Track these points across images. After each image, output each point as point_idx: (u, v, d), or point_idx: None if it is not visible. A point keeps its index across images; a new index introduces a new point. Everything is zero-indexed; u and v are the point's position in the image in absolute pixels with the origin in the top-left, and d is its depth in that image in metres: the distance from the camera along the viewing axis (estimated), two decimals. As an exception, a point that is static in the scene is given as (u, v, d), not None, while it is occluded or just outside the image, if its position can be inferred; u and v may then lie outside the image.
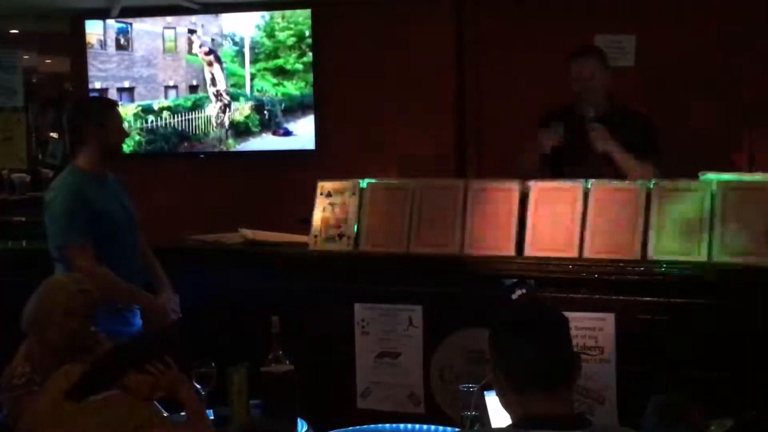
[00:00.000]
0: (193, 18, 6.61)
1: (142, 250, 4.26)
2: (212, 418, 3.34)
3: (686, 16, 5.75)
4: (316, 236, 4.04)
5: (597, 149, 4.43)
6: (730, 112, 5.73)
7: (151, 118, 6.71)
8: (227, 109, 6.56)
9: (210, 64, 6.57)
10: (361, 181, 4.03)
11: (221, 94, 6.58)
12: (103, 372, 3.00)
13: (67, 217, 4.00)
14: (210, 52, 6.56)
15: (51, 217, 4.06)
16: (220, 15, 6.55)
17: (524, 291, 3.62)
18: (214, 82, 6.58)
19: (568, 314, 2.58)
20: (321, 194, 4.08)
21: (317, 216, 4.05)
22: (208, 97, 6.61)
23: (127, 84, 6.77)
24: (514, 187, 3.79)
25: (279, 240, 4.39)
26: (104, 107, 4.25)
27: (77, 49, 6.85)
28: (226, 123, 6.60)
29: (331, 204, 4.02)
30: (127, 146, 6.65)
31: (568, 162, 4.46)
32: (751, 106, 5.68)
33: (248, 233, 4.42)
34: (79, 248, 3.95)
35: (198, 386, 3.43)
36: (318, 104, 6.41)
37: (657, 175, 4.07)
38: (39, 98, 9.17)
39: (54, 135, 9.60)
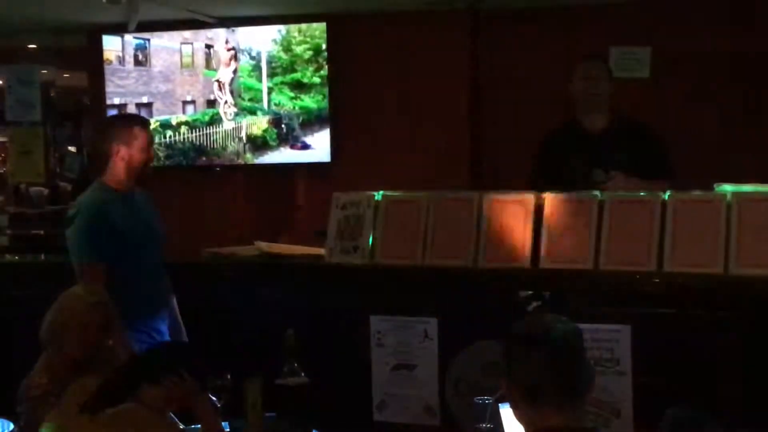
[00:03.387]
0: (210, 33, 6.64)
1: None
2: (227, 430, 3.34)
3: (701, 28, 5.75)
4: (331, 248, 4.05)
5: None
6: (745, 124, 5.72)
7: (169, 133, 6.74)
8: (236, 119, 6.57)
9: (228, 63, 6.58)
10: (375, 193, 4.04)
11: (228, 102, 6.60)
12: (118, 384, 3.01)
13: (85, 235, 4.00)
14: (232, 49, 6.57)
15: (71, 233, 4.07)
16: (236, 30, 6.58)
17: (539, 303, 3.62)
18: (221, 87, 6.59)
19: (584, 326, 2.58)
20: (336, 206, 4.08)
21: (332, 228, 4.06)
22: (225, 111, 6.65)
23: (145, 99, 6.80)
24: (528, 198, 3.79)
25: (294, 252, 4.40)
26: (132, 126, 4.22)
27: (94, 64, 6.89)
28: (244, 135, 6.62)
29: (346, 216, 4.03)
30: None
31: (575, 183, 4.39)
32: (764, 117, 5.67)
33: (263, 246, 4.43)
34: (90, 269, 3.95)
35: (213, 398, 3.44)
36: (334, 117, 6.43)
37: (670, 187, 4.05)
38: (57, 112, 9.21)
39: (72, 149, 9.65)
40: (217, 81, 6.63)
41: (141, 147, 4.14)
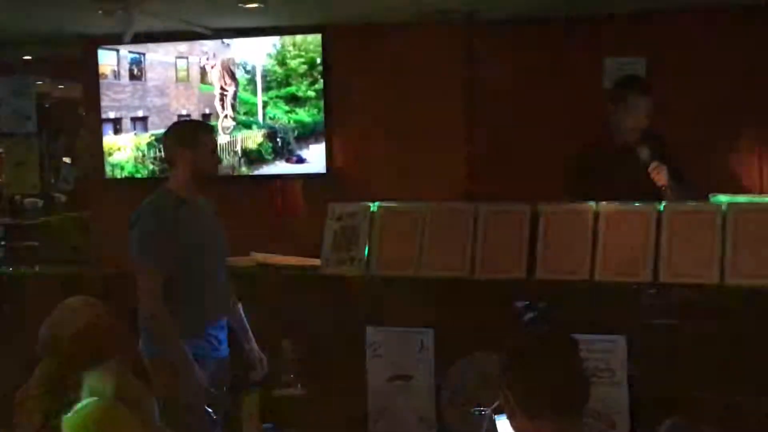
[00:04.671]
0: (205, 47, 6.65)
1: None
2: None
3: (697, 38, 5.77)
4: (327, 259, 4.05)
5: (661, 186, 4.48)
6: (739, 135, 5.73)
7: (164, 146, 6.73)
8: (233, 133, 6.57)
9: (222, 78, 6.57)
10: (371, 204, 4.04)
11: (228, 115, 6.60)
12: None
13: (144, 242, 3.97)
14: (231, 70, 6.58)
15: (132, 237, 4.05)
16: (231, 44, 6.58)
17: (535, 314, 3.62)
18: (222, 99, 6.58)
19: (579, 337, 2.58)
20: (332, 218, 4.09)
21: (328, 239, 4.06)
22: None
23: (140, 113, 6.79)
24: (524, 209, 3.80)
25: (290, 263, 4.40)
26: (197, 131, 4.23)
27: (90, 77, 6.89)
28: (239, 149, 6.62)
29: (342, 227, 4.04)
30: (141, 174, 6.69)
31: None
32: (763, 128, 5.68)
33: (259, 257, 4.43)
34: (148, 275, 3.93)
35: (210, 410, 3.44)
36: (329, 129, 6.43)
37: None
38: (52, 123, 9.20)
39: (67, 160, 9.63)
40: (220, 95, 6.61)
41: (207, 151, 4.14)
